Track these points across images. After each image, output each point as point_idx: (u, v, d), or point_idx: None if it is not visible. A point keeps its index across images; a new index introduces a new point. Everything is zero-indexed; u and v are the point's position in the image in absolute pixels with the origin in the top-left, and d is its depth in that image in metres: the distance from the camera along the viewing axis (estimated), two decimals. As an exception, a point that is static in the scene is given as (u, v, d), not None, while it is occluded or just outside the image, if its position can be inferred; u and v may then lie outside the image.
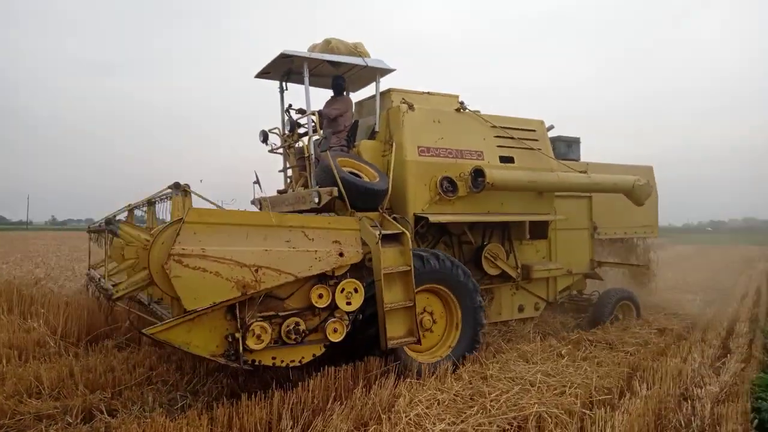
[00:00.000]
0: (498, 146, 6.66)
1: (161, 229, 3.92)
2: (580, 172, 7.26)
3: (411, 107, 6.11)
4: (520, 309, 7.20)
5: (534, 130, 7.04)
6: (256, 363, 4.18)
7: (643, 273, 9.03)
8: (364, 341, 4.91)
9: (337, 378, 4.69)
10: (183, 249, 3.77)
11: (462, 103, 6.65)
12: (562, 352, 5.70)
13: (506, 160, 6.66)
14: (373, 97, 6.57)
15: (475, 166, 6.15)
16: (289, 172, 6.91)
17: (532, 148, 6.88)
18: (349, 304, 4.48)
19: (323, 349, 4.49)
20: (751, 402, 4.44)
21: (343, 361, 4.78)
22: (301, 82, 6.26)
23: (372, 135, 6.42)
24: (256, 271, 4.01)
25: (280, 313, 4.23)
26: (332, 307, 4.44)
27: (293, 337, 4.24)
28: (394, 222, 5.37)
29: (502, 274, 6.67)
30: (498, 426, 3.71)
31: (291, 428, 3.70)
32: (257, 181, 6.45)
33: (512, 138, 6.77)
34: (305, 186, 6.25)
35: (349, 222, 4.68)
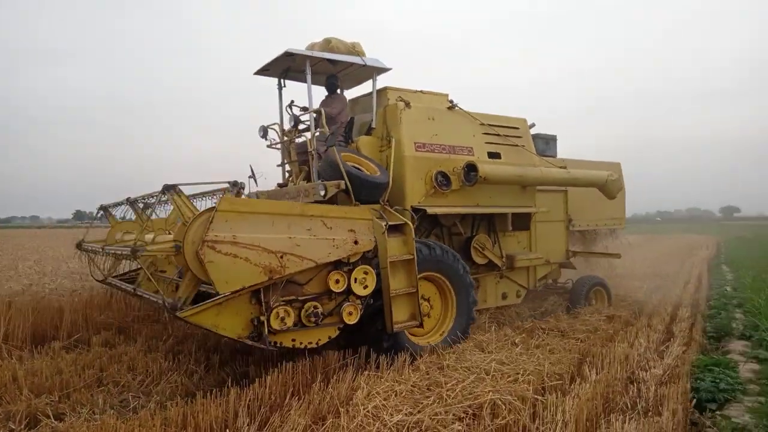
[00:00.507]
0: (486, 143, 6.98)
1: (195, 216, 4.17)
2: (560, 167, 7.73)
3: (408, 105, 6.38)
4: (504, 296, 7.60)
5: (518, 128, 7.40)
6: (278, 344, 4.49)
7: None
8: (372, 326, 5.23)
9: (294, 373, 4.68)
10: (216, 236, 4.07)
11: (452, 101, 6.94)
12: (516, 341, 5.85)
13: (494, 155, 6.99)
14: (368, 94, 6.81)
15: (468, 161, 6.47)
16: (286, 166, 7.08)
17: (516, 145, 7.24)
18: (365, 288, 4.91)
19: (338, 332, 4.86)
20: (690, 382, 4.69)
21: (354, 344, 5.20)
22: (297, 79, 6.71)
23: (368, 131, 6.65)
24: (281, 257, 4.36)
25: (300, 298, 4.59)
26: (347, 292, 4.84)
27: (312, 319, 4.60)
28: (397, 214, 5.65)
29: (488, 263, 7.03)
30: (454, 414, 3.77)
31: (248, 425, 3.65)
32: (252, 175, 6.63)
33: (498, 135, 7.10)
34: (307, 180, 6.49)
35: (363, 212, 5.10)
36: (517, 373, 4.60)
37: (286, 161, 6.98)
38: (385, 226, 5.17)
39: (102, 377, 5.05)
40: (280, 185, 6.95)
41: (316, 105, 6.48)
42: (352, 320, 4.83)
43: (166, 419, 3.72)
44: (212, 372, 5.25)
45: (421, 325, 5.46)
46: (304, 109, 6.46)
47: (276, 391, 4.25)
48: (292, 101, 6.67)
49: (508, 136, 7.19)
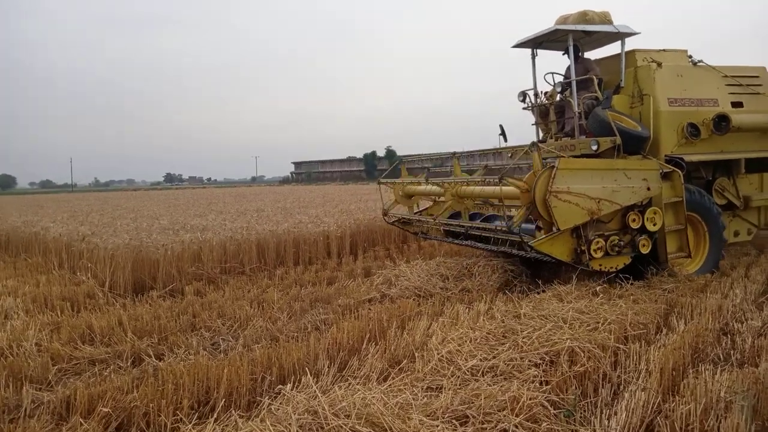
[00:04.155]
0: (729, 93, 7.45)
1: (540, 174, 5.50)
2: None
3: (660, 65, 7.03)
4: (736, 234, 8.04)
5: (758, 76, 7.83)
6: (591, 268, 5.82)
7: None
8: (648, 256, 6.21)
9: (370, 320, 4.80)
10: (557, 187, 5.47)
11: (691, 57, 7.55)
12: (597, 290, 5.64)
13: (736, 105, 7.43)
14: (611, 57, 7.62)
15: (719, 113, 7.03)
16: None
17: (757, 93, 7.65)
18: (654, 225, 6.05)
19: (630, 260, 6.05)
20: (794, 334, 4.33)
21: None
22: (548, 48, 7.76)
23: (616, 90, 7.29)
24: (598, 202, 5.68)
25: (605, 233, 5.89)
26: (641, 229, 6.01)
27: (615, 249, 5.88)
28: (665, 164, 6.49)
29: (726, 204, 7.57)
30: (530, 361, 3.73)
31: (328, 367, 3.81)
32: (503, 133, 7.82)
33: (740, 85, 7.57)
34: (568, 136, 7.36)
35: (652, 164, 6.29)
36: (597, 322, 4.44)
37: (540, 120, 7.86)
38: (661, 173, 6.16)
39: (195, 323, 5.44)
40: (540, 141, 7.68)
41: (562, 69, 7.50)
42: (645, 251, 6.03)
43: (252, 360, 3.96)
44: (294, 319, 5.51)
45: (689, 256, 6.48)
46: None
47: (354, 337, 4.39)
48: (548, 72, 7.62)
49: (749, 84, 7.61)
